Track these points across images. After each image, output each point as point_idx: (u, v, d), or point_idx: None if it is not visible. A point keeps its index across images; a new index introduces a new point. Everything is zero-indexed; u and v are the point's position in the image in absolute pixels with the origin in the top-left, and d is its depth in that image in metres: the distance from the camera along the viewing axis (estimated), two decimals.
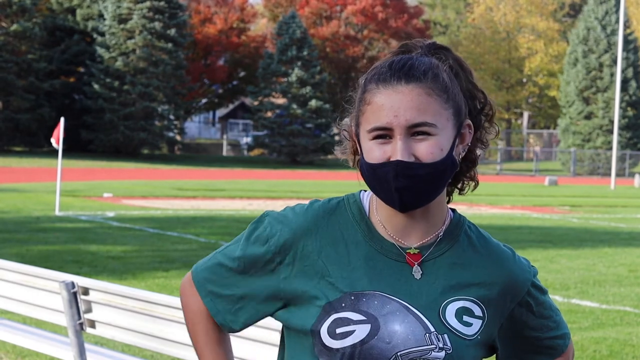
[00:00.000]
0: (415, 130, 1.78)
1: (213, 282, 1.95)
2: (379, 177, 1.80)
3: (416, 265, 1.86)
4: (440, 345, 1.81)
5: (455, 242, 1.90)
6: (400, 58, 1.85)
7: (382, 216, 1.88)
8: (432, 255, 1.87)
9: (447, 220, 1.91)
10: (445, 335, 1.82)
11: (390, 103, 1.78)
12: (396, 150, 1.77)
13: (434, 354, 1.80)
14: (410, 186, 1.78)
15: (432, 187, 1.80)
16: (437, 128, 1.79)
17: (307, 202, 1.94)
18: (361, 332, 1.79)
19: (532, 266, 1.98)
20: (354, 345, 1.79)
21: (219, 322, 1.94)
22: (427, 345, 1.80)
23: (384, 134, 1.79)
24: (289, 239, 1.87)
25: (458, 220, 1.93)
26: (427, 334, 1.80)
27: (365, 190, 1.95)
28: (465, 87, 1.88)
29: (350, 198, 1.93)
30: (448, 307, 1.84)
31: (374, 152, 1.80)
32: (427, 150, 1.78)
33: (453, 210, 1.95)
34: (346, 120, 1.96)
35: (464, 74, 1.89)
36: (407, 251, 1.86)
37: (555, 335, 2.00)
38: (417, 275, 1.85)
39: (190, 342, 4.17)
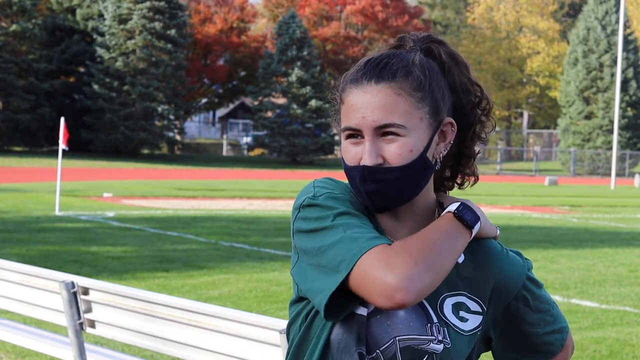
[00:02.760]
0: (383, 131, 1.76)
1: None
2: (352, 179, 1.81)
3: None
4: (440, 337, 1.79)
5: None
6: (378, 56, 1.83)
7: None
8: None
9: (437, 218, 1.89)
10: (446, 329, 1.81)
11: (359, 104, 1.78)
12: (364, 153, 1.77)
13: (432, 345, 1.78)
14: (379, 190, 1.77)
15: (404, 189, 1.79)
16: (406, 129, 1.76)
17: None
18: (369, 305, 1.77)
19: (527, 259, 1.95)
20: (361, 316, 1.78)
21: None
22: (427, 335, 1.79)
23: (355, 134, 1.79)
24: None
25: None
26: (429, 325, 1.79)
27: None
28: (459, 81, 1.86)
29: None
30: (445, 302, 1.83)
31: (349, 152, 1.80)
32: (395, 151, 1.76)
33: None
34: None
35: (458, 68, 1.86)
36: None
37: (553, 330, 1.97)
38: None
39: (190, 342, 4.17)
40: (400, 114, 1.76)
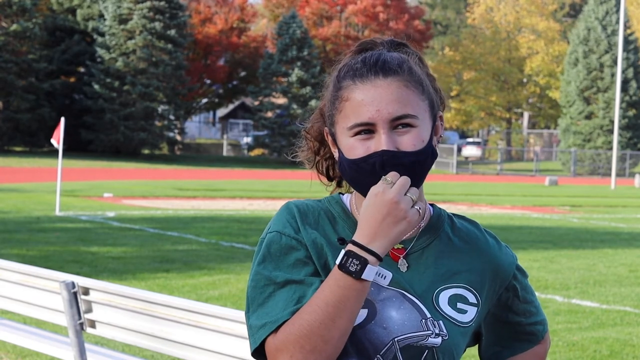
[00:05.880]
0: (397, 123, 1.79)
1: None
2: (364, 171, 1.80)
3: (401, 259, 1.86)
4: (437, 331, 1.81)
5: (440, 233, 1.91)
6: (371, 54, 1.85)
7: None
8: (415, 249, 1.88)
9: (427, 214, 1.92)
10: (441, 322, 1.82)
11: (370, 98, 1.79)
12: (380, 143, 1.78)
13: (430, 339, 1.80)
14: None
15: (415, 176, 1.81)
16: (418, 119, 1.81)
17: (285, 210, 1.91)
18: (358, 316, 1.77)
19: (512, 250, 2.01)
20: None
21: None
22: (424, 330, 1.80)
23: (366, 129, 1.80)
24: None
25: (439, 214, 1.95)
26: (424, 320, 1.81)
27: (342, 194, 1.96)
28: (429, 80, 1.90)
29: (331, 200, 1.94)
30: (441, 294, 1.85)
31: (357, 149, 1.80)
32: (410, 142, 1.79)
33: (432, 205, 1.97)
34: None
35: (425, 69, 1.90)
36: None
37: (536, 321, 2.02)
38: (403, 269, 1.85)
39: (190, 343, 4.17)
40: (412, 105, 1.81)
